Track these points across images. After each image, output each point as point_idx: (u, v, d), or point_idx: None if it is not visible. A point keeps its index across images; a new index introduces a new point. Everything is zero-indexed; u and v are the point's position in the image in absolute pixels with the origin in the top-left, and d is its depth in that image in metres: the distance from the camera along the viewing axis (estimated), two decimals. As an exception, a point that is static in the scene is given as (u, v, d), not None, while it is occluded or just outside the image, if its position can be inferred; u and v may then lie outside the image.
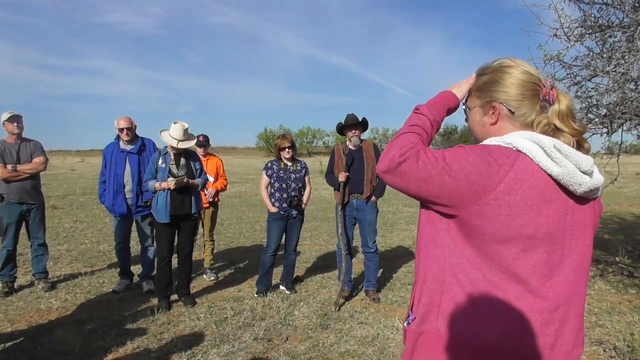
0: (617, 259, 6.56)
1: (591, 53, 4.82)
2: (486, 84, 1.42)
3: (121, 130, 5.22)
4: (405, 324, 1.43)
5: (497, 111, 1.38)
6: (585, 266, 1.33)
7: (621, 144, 5.34)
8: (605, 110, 4.91)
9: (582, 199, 1.30)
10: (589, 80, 4.88)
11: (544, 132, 1.32)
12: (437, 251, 1.35)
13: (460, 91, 1.51)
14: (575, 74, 4.90)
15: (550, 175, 1.24)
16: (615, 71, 4.40)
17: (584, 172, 1.25)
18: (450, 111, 1.53)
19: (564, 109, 1.31)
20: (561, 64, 4.82)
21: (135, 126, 5.37)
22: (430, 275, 1.36)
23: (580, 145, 1.32)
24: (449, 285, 1.32)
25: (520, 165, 1.23)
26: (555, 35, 4.72)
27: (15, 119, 5.09)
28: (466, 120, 1.53)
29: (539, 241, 1.25)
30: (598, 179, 1.29)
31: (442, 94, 1.53)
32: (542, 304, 1.26)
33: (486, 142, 1.35)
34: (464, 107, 1.53)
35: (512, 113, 1.36)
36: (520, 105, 1.35)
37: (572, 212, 1.29)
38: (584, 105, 5.09)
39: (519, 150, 1.26)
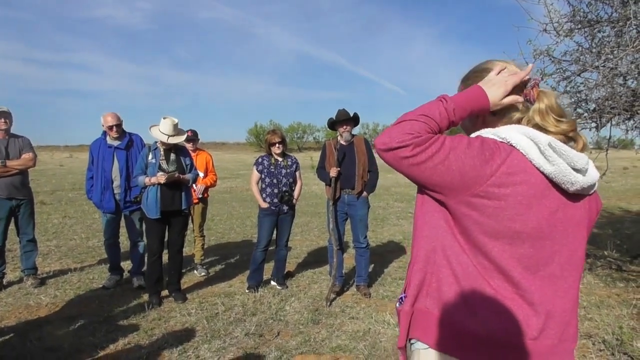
0: (605, 253, 6.63)
1: (580, 48, 4.84)
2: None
3: (110, 127, 5.16)
4: (397, 305, 1.45)
5: (480, 116, 1.41)
6: (575, 262, 1.33)
7: (610, 138, 5.37)
8: (594, 105, 4.93)
9: (576, 195, 1.31)
10: (578, 75, 4.89)
11: (534, 127, 1.32)
12: (431, 232, 1.36)
13: (494, 93, 1.34)
14: (564, 68, 4.92)
15: (542, 173, 1.25)
16: (604, 66, 4.42)
17: (577, 170, 1.25)
18: (472, 114, 1.39)
19: (543, 108, 1.32)
20: (551, 59, 4.83)
21: (122, 121, 5.32)
22: (422, 256, 1.37)
23: (574, 141, 1.32)
24: (439, 267, 1.33)
25: (512, 160, 1.24)
26: (545, 30, 4.73)
27: (2, 115, 5.03)
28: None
29: (526, 235, 1.26)
30: (593, 175, 1.29)
31: (476, 93, 1.35)
32: (525, 296, 1.27)
33: (481, 132, 1.35)
34: None
35: (494, 114, 1.38)
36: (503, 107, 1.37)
37: (564, 208, 1.29)
38: (573, 100, 5.11)
39: (513, 146, 1.26)
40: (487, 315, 1.26)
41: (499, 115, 1.38)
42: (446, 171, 1.24)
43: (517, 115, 1.36)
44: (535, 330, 1.26)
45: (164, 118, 4.66)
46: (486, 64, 1.44)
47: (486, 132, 1.33)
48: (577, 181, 1.25)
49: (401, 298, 1.44)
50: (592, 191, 1.34)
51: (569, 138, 1.32)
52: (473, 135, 1.36)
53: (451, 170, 1.24)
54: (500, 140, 1.28)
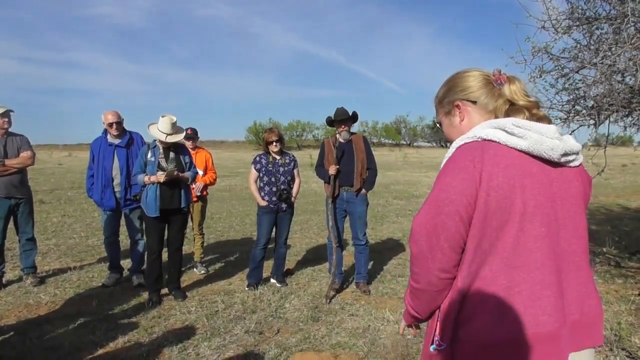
0: (604, 249, 6.64)
1: (578, 45, 4.85)
2: (444, 94, 1.55)
3: (110, 125, 5.18)
4: (431, 348, 1.42)
5: (461, 108, 1.50)
6: (580, 234, 1.38)
7: (608, 135, 5.37)
8: (592, 102, 4.94)
9: (564, 168, 1.36)
10: (577, 72, 4.90)
11: (505, 114, 1.42)
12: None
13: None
14: (562, 66, 4.92)
15: (521, 151, 1.31)
16: (602, 63, 4.42)
17: (552, 139, 1.32)
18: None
19: (514, 87, 1.43)
20: (549, 56, 4.84)
21: (123, 120, 5.33)
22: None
23: (540, 120, 1.40)
24: (459, 297, 1.34)
25: (488, 151, 1.30)
26: (543, 27, 4.73)
27: (6, 114, 5.04)
28: (444, 132, 1.62)
29: (531, 216, 1.28)
30: (573, 144, 1.36)
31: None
32: (550, 279, 1.29)
33: (453, 144, 1.43)
34: (437, 125, 1.65)
35: (474, 103, 1.47)
36: (479, 94, 1.46)
37: (558, 182, 1.34)
38: (571, 97, 5.12)
39: (484, 139, 1.33)
40: (516, 318, 1.27)
41: (478, 104, 1.47)
42: (457, 216, 1.31)
43: (493, 103, 1.45)
44: (563, 310, 1.29)
45: (163, 116, 4.65)
46: (462, 77, 1.52)
47: (456, 142, 1.42)
48: (556, 145, 1.31)
49: (435, 344, 1.40)
50: (578, 162, 1.40)
51: (538, 118, 1.40)
52: (446, 155, 1.43)
53: (457, 205, 1.31)
54: (470, 139, 1.36)
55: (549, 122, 1.40)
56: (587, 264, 1.40)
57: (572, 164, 1.38)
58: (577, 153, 1.38)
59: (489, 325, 1.28)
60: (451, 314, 1.34)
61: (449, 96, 1.52)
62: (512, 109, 1.41)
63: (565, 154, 1.33)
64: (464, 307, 1.32)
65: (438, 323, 1.39)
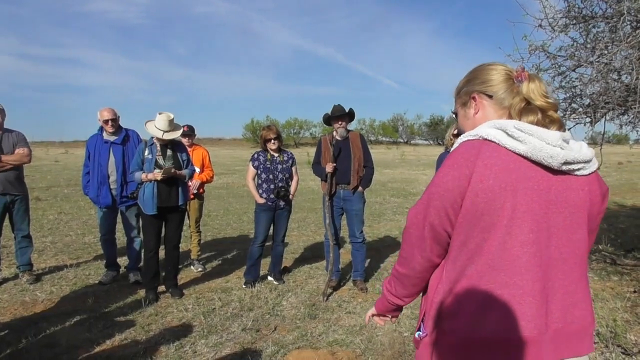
0: (600, 247, 6.66)
1: (575, 43, 4.86)
2: (463, 84, 1.54)
3: (105, 122, 5.16)
4: (416, 335, 1.48)
5: (477, 100, 1.48)
6: (575, 243, 1.35)
7: (604, 133, 5.39)
8: (588, 100, 4.95)
9: (570, 176, 1.33)
10: (573, 70, 4.92)
11: (518, 112, 1.38)
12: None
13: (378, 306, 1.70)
14: (559, 64, 4.94)
15: (520, 155, 1.29)
16: (598, 61, 4.44)
17: (553, 146, 1.29)
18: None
19: (533, 86, 1.40)
20: (546, 54, 4.85)
21: (119, 117, 5.32)
22: (433, 286, 1.43)
23: (551, 123, 1.37)
24: (444, 292, 1.37)
25: (485, 152, 1.30)
26: (540, 25, 4.75)
27: None
28: (458, 123, 1.61)
29: (520, 221, 1.28)
30: (583, 153, 1.33)
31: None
32: (533, 285, 1.28)
33: (458, 140, 1.42)
34: (454, 115, 1.63)
35: (491, 97, 1.45)
36: (497, 88, 1.44)
37: (557, 189, 1.31)
38: (568, 95, 5.13)
39: (485, 139, 1.32)
40: (499, 321, 1.28)
41: (494, 98, 1.45)
42: (447, 205, 1.34)
43: (509, 99, 1.43)
44: (545, 318, 1.29)
45: (160, 114, 4.64)
46: (485, 69, 1.50)
47: (461, 138, 1.42)
48: (556, 154, 1.28)
49: (420, 331, 1.47)
50: (588, 172, 1.35)
51: (550, 121, 1.37)
52: (452, 149, 1.43)
53: (445, 199, 1.34)
54: (472, 137, 1.36)
55: (561, 125, 1.37)
56: (579, 273, 1.36)
57: (578, 173, 1.33)
58: (586, 162, 1.33)
59: (469, 323, 1.30)
60: (435, 306, 1.38)
61: (468, 87, 1.51)
62: (527, 108, 1.38)
63: (567, 163, 1.29)
64: (448, 302, 1.34)
65: (424, 314, 1.44)
